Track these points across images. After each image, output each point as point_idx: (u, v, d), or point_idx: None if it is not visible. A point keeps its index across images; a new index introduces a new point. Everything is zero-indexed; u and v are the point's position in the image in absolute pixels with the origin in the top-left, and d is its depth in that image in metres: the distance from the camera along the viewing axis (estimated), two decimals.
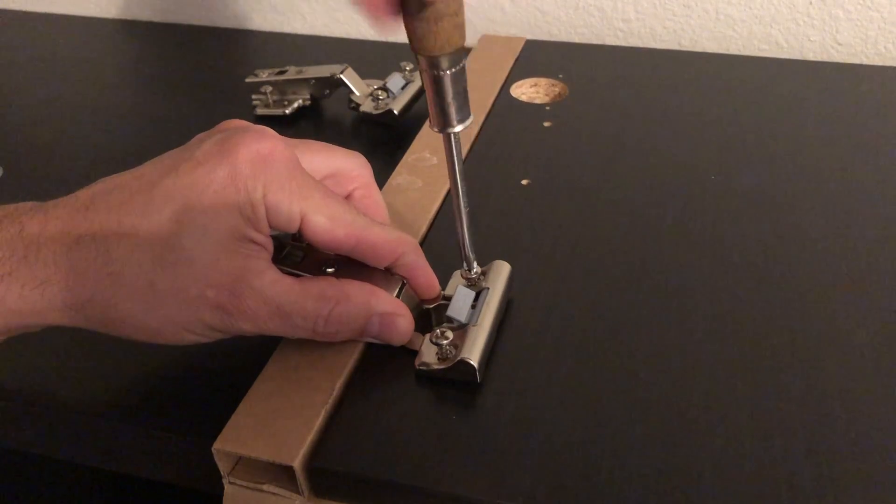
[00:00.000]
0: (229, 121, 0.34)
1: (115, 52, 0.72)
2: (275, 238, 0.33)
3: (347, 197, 0.36)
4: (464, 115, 0.32)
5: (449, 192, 0.45)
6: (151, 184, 0.30)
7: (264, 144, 0.30)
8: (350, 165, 0.36)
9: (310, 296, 0.32)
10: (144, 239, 0.29)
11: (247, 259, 0.30)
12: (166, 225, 0.29)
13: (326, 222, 0.31)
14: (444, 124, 0.32)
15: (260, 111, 0.57)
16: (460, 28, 0.29)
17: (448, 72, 0.30)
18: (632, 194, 0.45)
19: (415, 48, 0.30)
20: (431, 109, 0.31)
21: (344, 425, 0.32)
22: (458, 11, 0.29)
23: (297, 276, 0.33)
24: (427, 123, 0.32)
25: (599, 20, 0.68)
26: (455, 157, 0.33)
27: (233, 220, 0.30)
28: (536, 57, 0.62)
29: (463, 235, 0.35)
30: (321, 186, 0.32)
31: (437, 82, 0.30)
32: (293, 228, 0.31)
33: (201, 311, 0.30)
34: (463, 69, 0.31)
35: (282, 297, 0.31)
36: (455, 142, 0.32)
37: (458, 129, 0.32)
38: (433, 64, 0.30)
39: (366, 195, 0.37)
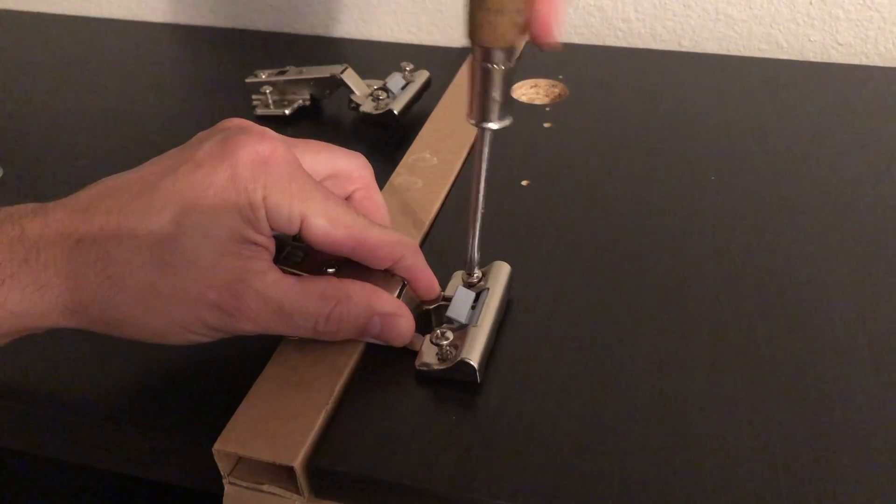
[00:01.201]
0: (230, 119, 0.34)
1: (115, 52, 0.72)
2: (275, 238, 0.33)
3: (348, 198, 0.36)
4: (504, 114, 0.32)
5: (449, 192, 0.46)
6: (151, 185, 0.30)
7: (265, 146, 0.30)
8: (351, 166, 0.36)
9: (311, 295, 0.32)
10: (144, 241, 0.29)
11: (247, 260, 0.30)
12: (166, 227, 0.29)
13: (326, 224, 0.31)
14: (482, 118, 0.32)
15: (260, 111, 0.57)
16: (519, 26, 0.29)
17: (500, 67, 0.30)
18: (632, 195, 0.45)
19: (473, 37, 0.30)
20: (473, 101, 0.31)
21: (344, 425, 0.32)
22: (521, 10, 0.29)
23: (298, 276, 0.33)
24: (466, 113, 0.32)
25: (599, 20, 0.68)
26: (485, 154, 0.33)
27: (233, 221, 0.30)
28: (536, 57, 0.62)
29: (473, 235, 0.35)
30: (321, 188, 0.32)
31: (487, 75, 0.30)
32: (293, 230, 0.31)
33: (202, 311, 0.30)
34: (514, 69, 0.31)
35: (283, 298, 0.31)
36: (489, 139, 0.32)
37: (496, 126, 0.32)
38: (487, 56, 0.30)
39: (366, 196, 0.37)
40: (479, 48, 0.30)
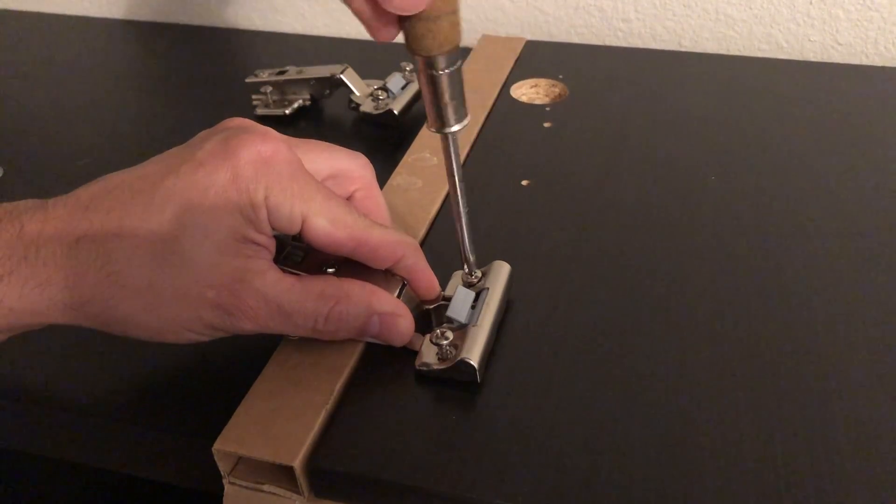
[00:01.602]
0: (232, 119, 0.34)
1: (115, 51, 0.72)
2: (276, 238, 0.33)
3: (349, 198, 0.36)
4: (461, 115, 0.31)
5: (449, 192, 0.46)
6: (152, 184, 0.30)
7: (267, 146, 0.30)
8: (352, 166, 0.36)
9: (310, 295, 0.32)
10: (145, 240, 0.29)
11: (247, 260, 0.30)
12: (167, 226, 0.29)
13: (327, 225, 0.31)
14: (441, 125, 0.31)
15: (260, 111, 0.57)
16: (457, 27, 0.29)
17: (445, 72, 0.30)
18: (632, 195, 0.45)
19: (411, 48, 0.29)
20: (429, 110, 0.31)
21: (344, 425, 0.32)
22: (455, 10, 0.29)
23: (298, 275, 0.33)
24: (426, 124, 0.32)
25: (599, 20, 0.68)
26: (453, 158, 0.33)
27: (234, 221, 0.30)
28: (536, 57, 0.62)
29: (463, 238, 0.35)
30: (323, 188, 0.32)
31: (434, 82, 0.30)
32: (294, 230, 0.31)
33: (202, 310, 0.30)
34: (459, 69, 0.30)
35: (282, 297, 0.31)
36: (453, 142, 0.32)
37: (456, 128, 0.32)
38: (430, 64, 0.30)
39: (367, 196, 0.37)
40: (421, 58, 0.30)
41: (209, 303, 0.30)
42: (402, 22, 0.29)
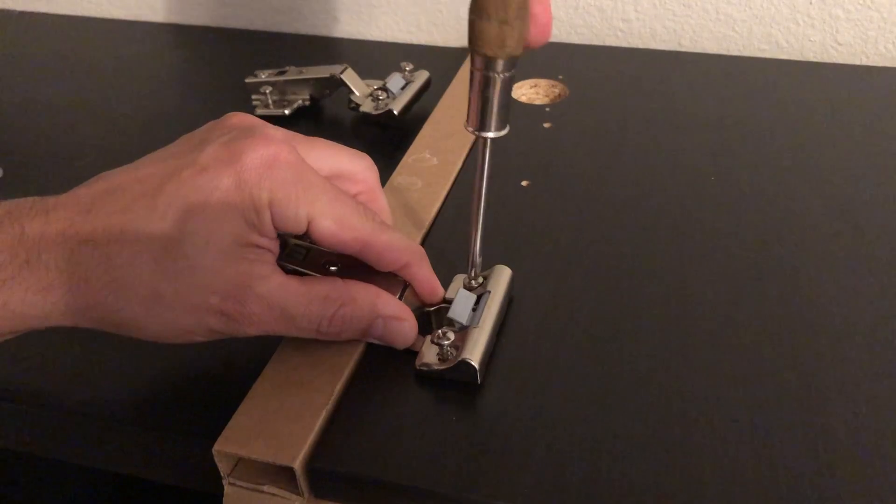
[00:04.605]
0: (236, 114, 0.34)
1: (116, 52, 0.72)
2: (278, 235, 0.33)
3: None
4: (503, 122, 0.31)
5: (449, 193, 0.46)
6: (154, 188, 0.29)
7: (270, 149, 0.30)
8: (356, 168, 0.36)
9: (315, 298, 0.32)
10: (147, 245, 0.29)
11: (251, 265, 0.30)
12: (169, 232, 0.29)
13: (333, 226, 0.31)
14: (481, 127, 0.31)
15: (260, 111, 0.57)
16: (522, 35, 0.29)
17: (501, 75, 0.30)
18: (632, 195, 0.45)
19: (473, 46, 0.29)
20: (473, 109, 0.31)
21: (344, 426, 0.32)
22: (525, 19, 0.29)
23: (300, 273, 0.33)
24: (465, 122, 0.32)
25: (599, 20, 0.68)
26: (486, 162, 0.33)
27: (237, 226, 0.29)
28: (536, 57, 0.62)
29: (475, 242, 0.35)
30: (329, 188, 0.32)
31: (488, 84, 0.30)
32: (300, 231, 0.31)
33: (205, 316, 0.30)
34: (513, 77, 0.30)
35: (287, 301, 0.31)
36: (488, 147, 0.32)
37: (493, 134, 0.32)
38: (488, 65, 0.30)
39: (370, 199, 0.36)
40: (480, 57, 0.30)
41: (213, 309, 0.30)
42: (471, 18, 0.29)
